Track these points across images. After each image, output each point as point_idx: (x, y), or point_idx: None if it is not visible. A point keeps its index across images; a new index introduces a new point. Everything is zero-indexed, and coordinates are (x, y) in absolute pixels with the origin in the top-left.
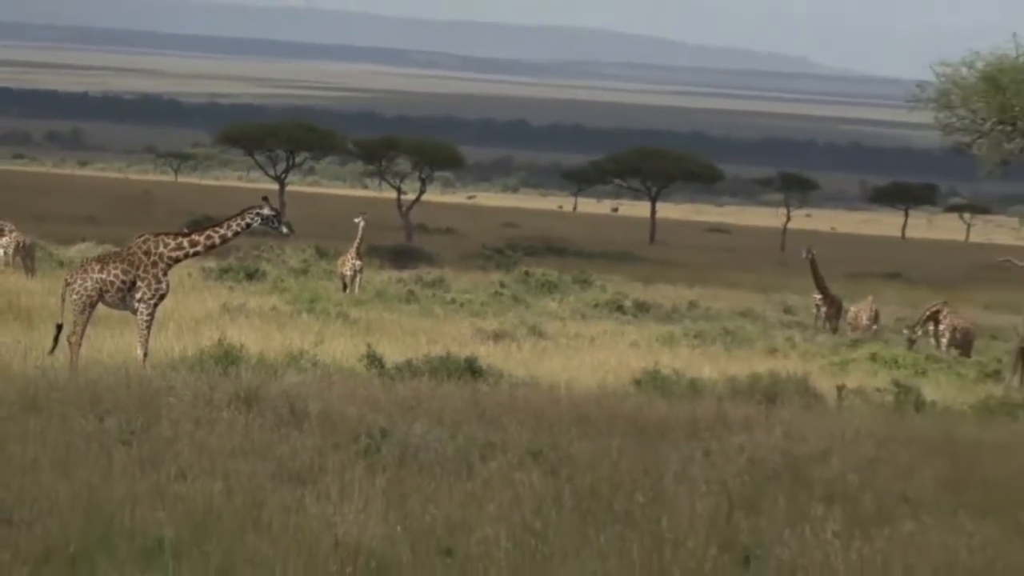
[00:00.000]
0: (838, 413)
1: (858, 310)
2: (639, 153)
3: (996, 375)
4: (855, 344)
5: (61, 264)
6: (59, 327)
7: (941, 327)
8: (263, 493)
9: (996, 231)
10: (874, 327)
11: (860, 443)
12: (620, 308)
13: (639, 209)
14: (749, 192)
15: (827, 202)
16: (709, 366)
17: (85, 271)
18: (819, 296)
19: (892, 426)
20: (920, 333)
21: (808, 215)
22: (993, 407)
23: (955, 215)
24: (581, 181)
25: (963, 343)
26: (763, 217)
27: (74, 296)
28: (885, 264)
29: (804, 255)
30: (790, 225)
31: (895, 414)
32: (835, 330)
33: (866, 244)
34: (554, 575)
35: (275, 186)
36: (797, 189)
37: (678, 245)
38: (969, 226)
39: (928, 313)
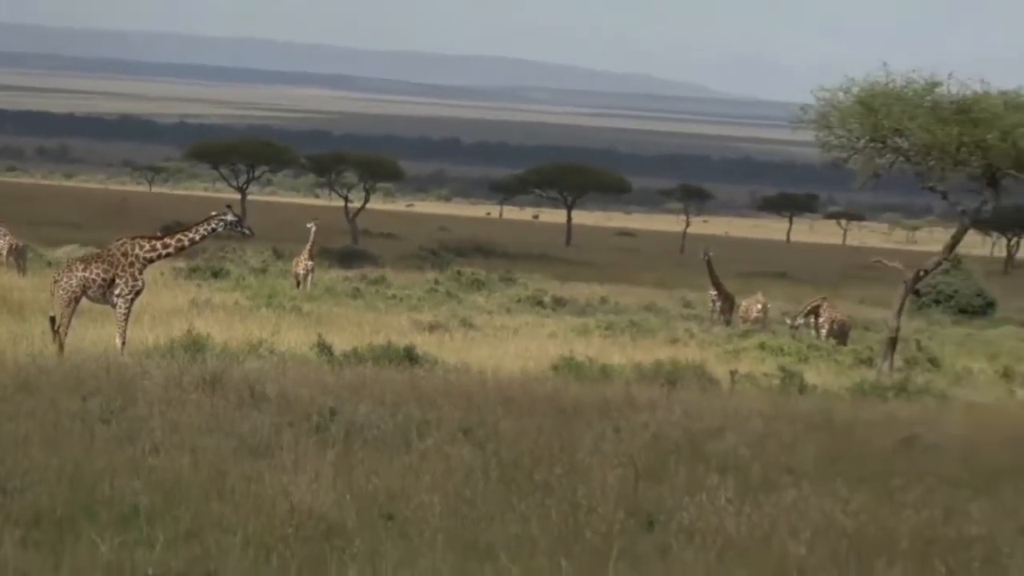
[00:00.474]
0: (731, 395)
1: (748, 304)
2: (557, 167)
3: (869, 362)
4: (746, 335)
5: (49, 264)
6: (52, 319)
7: (821, 319)
8: (226, 465)
9: (869, 235)
10: (763, 319)
11: (750, 421)
12: (540, 303)
13: (557, 216)
14: (653, 201)
15: (721, 210)
16: (618, 354)
17: (70, 270)
18: (714, 292)
19: (778, 406)
20: (802, 323)
21: (705, 221)
22: (866, 390)
23: (833, 221)
24: (506, 191)
25: (840, 334)
26: (665, 223)
27: (61, 292)
28: (772, 264)
29: (701, 256)
30: (689, 230)
31: (781, 396)
32: (728, 322)
33: (755, 247)
34: (482, 536)
35: (237, 196)
36: (695, 199)
37: (591, 248)
38: (845, 231)
39: (809, 307)
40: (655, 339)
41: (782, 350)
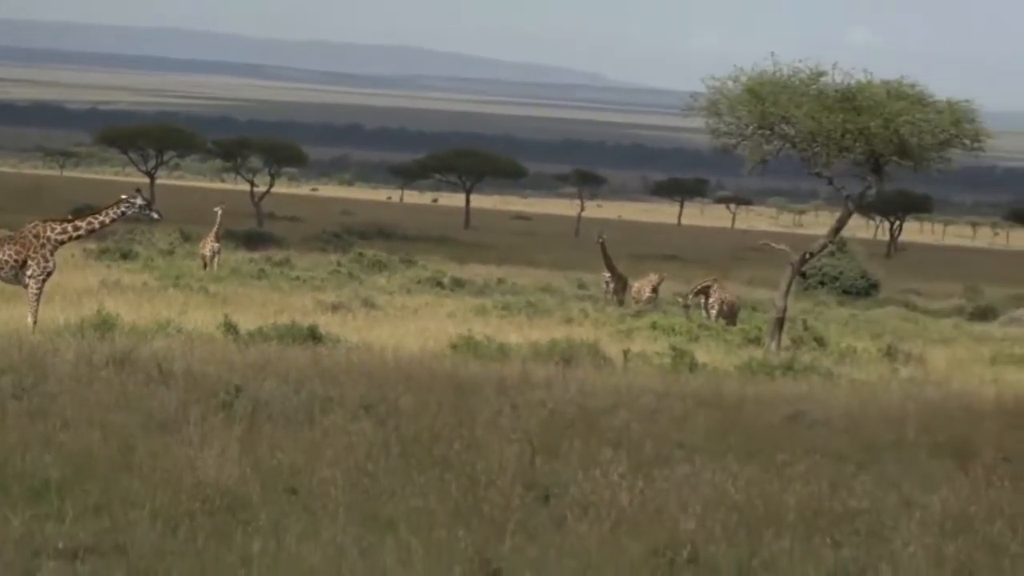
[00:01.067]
0: (624, 373)
1: (641, 285)
2: (456, 153)
3: (757, 341)
4: (638, 315)
5: None
6: None
7: (711, 300)
8: (135, 440)
9: (757, 219)
10: (654, 300)
11: (642, 398)
12: (439, 284)
13: (456, 200)
14: (549, 186)
15: (614, 194)
16: (515, 333)
17: None
18: (608, 274)
19: (669, 384)
20: (693, 304)
21: (599, 205)
22: (755, 368)
23: (722, 206)
24: (407, 176)
25: (729, 314)
26: (561, 207)
27: None
28: (664, 247)
29: (596, 239)
30: (583, 214)
31: (672, 374)
32: (621, 303)
33: (647, 230)
34: (383, 510)
35: (146, 179)
36: (589, 183)
37: (489, 231)
38: (734, 215)
39: (700, 287)
40: (551, 319)
41: (673, 330)
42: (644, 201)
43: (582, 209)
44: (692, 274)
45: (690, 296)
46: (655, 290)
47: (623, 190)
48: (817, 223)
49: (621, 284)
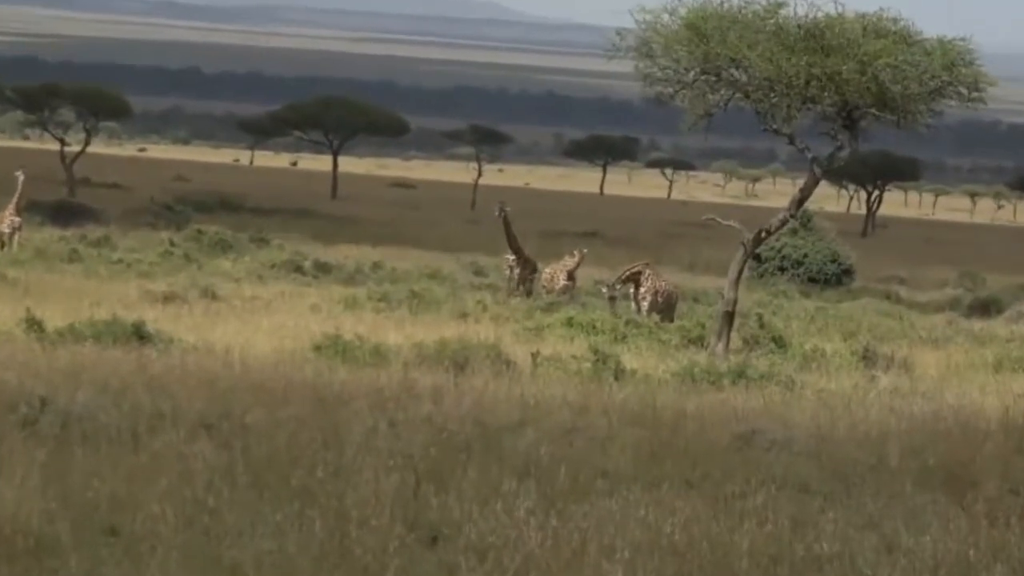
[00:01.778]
0: (532, 381)
1: (554, 271)
2: (320, 103)
3: (700, 341)
4: (550, 308)
5: None
6: None
7: (642, 290)
8: None
9: (699, 188)
10: (571, 290)
11: (555, 413)
12: (299, 269)
13: (320, 163)
14: (437, 145)
15: (520, 156)
16: (395, 331)
17: None
18: (512, 257)
19: (589, 395)
20: (619, 295)
21: (500, 170)
22: (697, 375)
23: (656, 171)
24: (258, 133)
25: (665, 307)
26: (452, 172)
27: None
28: (582, 222)
29: (496, 213)
30: (481, 181)
31: (593, 382)
32: (529, 293)
33: (562, 201)
34: (227, 555)
35: None
36: (488, 143)
37: (361, 201)
38: (671, 182)
39: (628, 274)
40: (440, 313)
41: (594, 327)
42: (558, 164)
43: (479, 175)
44: (618, 257)
45: (616, 285)
46: (571, 277)
47: (532, 151)
48: (775, 193)
49: (529, 269)
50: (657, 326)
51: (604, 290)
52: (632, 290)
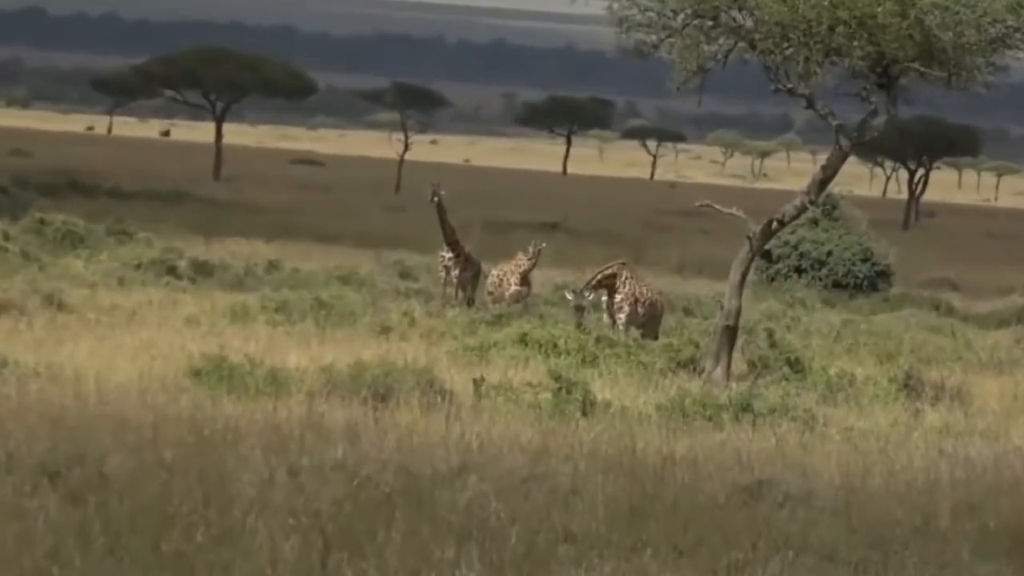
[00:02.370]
0: (475, 416)
1: (503, 274)
2: (199, 55)
3: (692, 364)
4: (499, 321)
5: None
6: None
7: (618, 298)
8: None
9: (692, 165)
10: (525, 297)
11: (505, 457)
12: (172, 270)
13: (200, 132)
14: (351, 110)
15: (460, 124)
16: (297, 351)
17: None
18: (449, 254)
19: (549, 434)
20: (589, 301)
21: (434, 142)
22: (688, 409)
23: (636, 143)
24: (118, 93)
25: (647, 320)
26: (371, 144)
27: None
28: (540, 210)
29: (429, 198)
30: (408, 156)
31: (554, 418)
32: (471, 301)
33: (514, 182)
34: None
35: None
36: (418, 106)
37: (254, 182)
38: (655, 158)
39: (600, 278)
40: (355, 328)
41: (555, 346)
42: (509, 135)
43: (406, 149)
44: (587, 255)
45: (585, 291)
46: (525, 281)
47: (474, 117)
48: (789, 172)
49: (470, 271)
50: (637, 344)
51: (569, 297)
52: (605, 298)
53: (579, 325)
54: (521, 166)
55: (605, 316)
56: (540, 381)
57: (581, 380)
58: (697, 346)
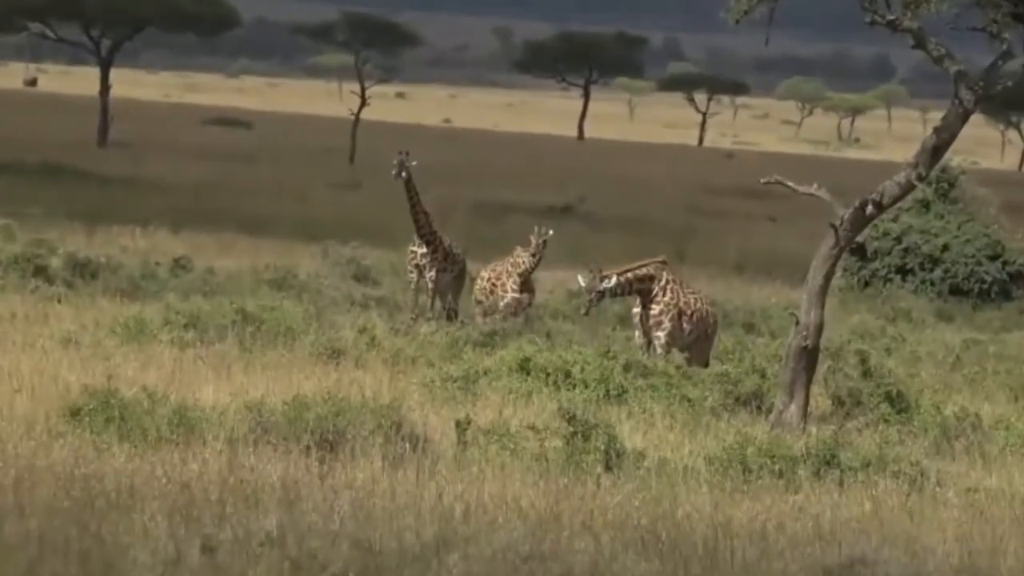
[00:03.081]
0: (460, 473)
1: (496, 276)
2: None
3: (757, 400)
4: (490, 340)
5: None
6: None
7: (655, 309)
8: None
9: (756, 126)
10: (525, 307)
11: (500, 529)
12: (43, 271)
13: (79, 81)
14: (289, 51)
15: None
16: (214, 382)
17: None
18: (423, 250)
19: (561, 497)
20: (610, 285)
21: (401, 95)
22: (751, 462)
23: (679, 96)
24: None
25: (695, 339)
26: (314, 98)
27: None
28: (547, 188)
29: (395, 173)
30: (366, 114)
31: (566, 474)
32: (453, 314)
33: (509, 150)
34: None
35: None
36: (379, 44)
37: (154, 150)
38: (705, 116)
39: (632, 276)
40: (294, 351)
41: (569, 375)
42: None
43: (363, 104)
44: (611, 250)
45: (607, 283)
46: (526, 285)
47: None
48: (890, 137)
49: (452, 273)
50: (681, 373)
51: (583, 281)
52: (637, 309)
53: (587, 312)
54: (520, 128)
55: (637, 334)
56: (548, 424)
57: (604, 422)
58: (763, 375)
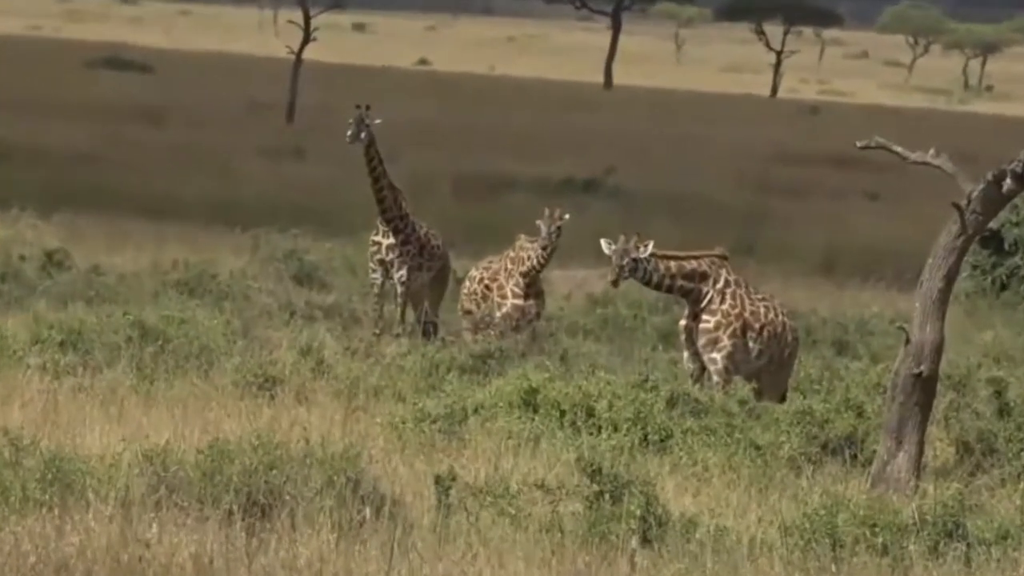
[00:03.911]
0: (439, 545)
1: (492, 276)
2: None
3: (851, 447)
4: (484, 364)
5: None
6: None
7: (710, 321)
8: None
9: (849, 69)
10: (530, 318)
11: None
12: None
13: None
14: None
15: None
16: (102, 422)
17: None
18: (390, 240)
19: None
20: (645, 253)
21: (359, 26)
22: (843, 533)
23: (744, 27)
24: None
25: (767, 363)
26: (237, 31)
27: None
28: (561, 155)
29: (351, 135)
30: (311, 53)
31: (589, 550)
32: (432, 329)
33: (512, 102)
34: None
35: None
36: None
37: (18, 100)
38: (780, 56)
39: (675, 269)
40: (211, 379)
41: (591, 412)
42: (498, 12)
43: (307, 38)
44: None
45: (640, 256)
46: (533, 288)
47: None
48: None
49: (430, 271)
50: (746, 410)
51: (607, 249)
52: (687, 322)
53: (615, 282)
54: (525, 72)
55: (686, 356)
56: (562, 481)
57: (640, 478)
58: (860, 413)
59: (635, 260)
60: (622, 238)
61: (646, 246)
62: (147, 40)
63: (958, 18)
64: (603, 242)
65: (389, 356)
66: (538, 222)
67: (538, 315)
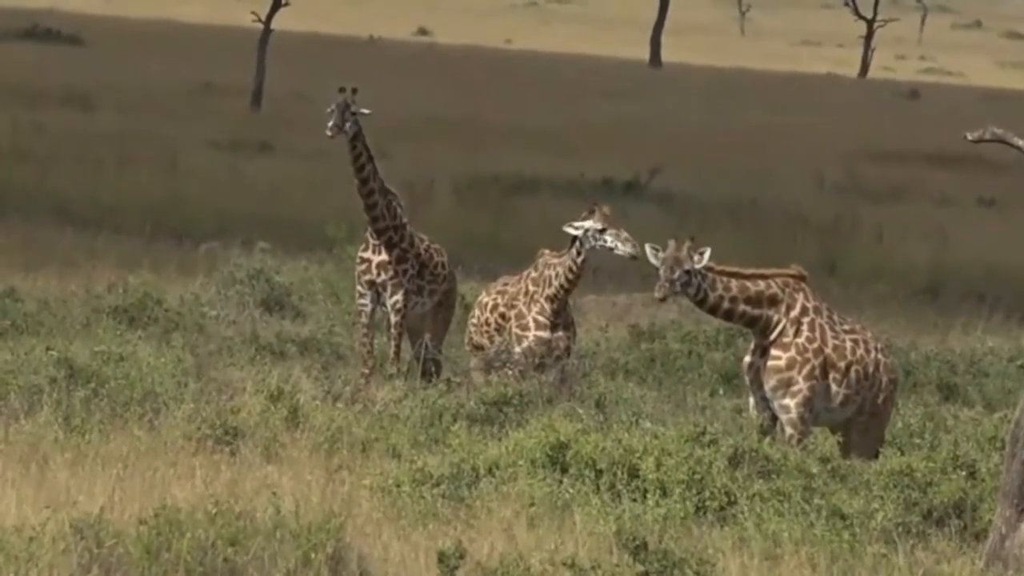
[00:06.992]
0: None
1: (509, 301)
2: None
3: (961, 518)
4: (499, 413)
5: None
6: None
7: (782, 358)
8: None
9: (957, 46)
10: (559, 354)
11: None
12: None
13: None
14: None
15: None
16: (19, 485)
17: None
18: (381, 254)
19: None
20: (704, 261)
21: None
22: None
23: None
24: None
25: (858, 411)
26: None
27: None
28: (591, 150)
29: (332, 126)
30: (281, 23)
31: None
32: (435, 368)
33: (522, 78)
34: None
35: None
36: None
37: None
38: (872, 26)
39: (737, 291)
40: (157, 431)
41: (635, 473)
42: None
43: (278, 2)
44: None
45: (694, 267)
46: (560, 318)
47: None
48: None
49: (433, 296)
50: (829, 470)
51: (652, 258)
52: (753, 358)
53: (663, 297)
54: (548, 47)
55: (752, 402)
56: (598, 560)
57: (696, 555)
58: (972, 474)
59: (688, 272)
60: (672, 243)
61: (701, 254)
62: (76, 5)
63: None
64: (648, 248)
65: (381, 402)
66: (567, 228)
67: (567, 351)
